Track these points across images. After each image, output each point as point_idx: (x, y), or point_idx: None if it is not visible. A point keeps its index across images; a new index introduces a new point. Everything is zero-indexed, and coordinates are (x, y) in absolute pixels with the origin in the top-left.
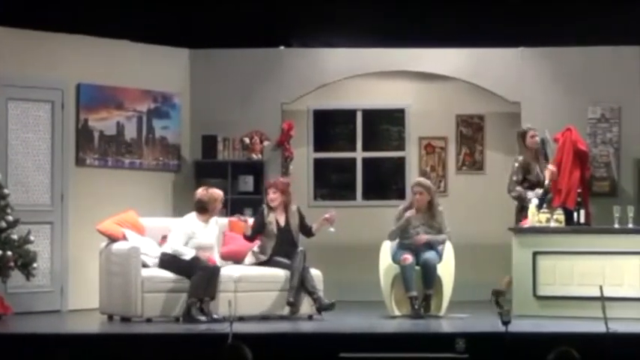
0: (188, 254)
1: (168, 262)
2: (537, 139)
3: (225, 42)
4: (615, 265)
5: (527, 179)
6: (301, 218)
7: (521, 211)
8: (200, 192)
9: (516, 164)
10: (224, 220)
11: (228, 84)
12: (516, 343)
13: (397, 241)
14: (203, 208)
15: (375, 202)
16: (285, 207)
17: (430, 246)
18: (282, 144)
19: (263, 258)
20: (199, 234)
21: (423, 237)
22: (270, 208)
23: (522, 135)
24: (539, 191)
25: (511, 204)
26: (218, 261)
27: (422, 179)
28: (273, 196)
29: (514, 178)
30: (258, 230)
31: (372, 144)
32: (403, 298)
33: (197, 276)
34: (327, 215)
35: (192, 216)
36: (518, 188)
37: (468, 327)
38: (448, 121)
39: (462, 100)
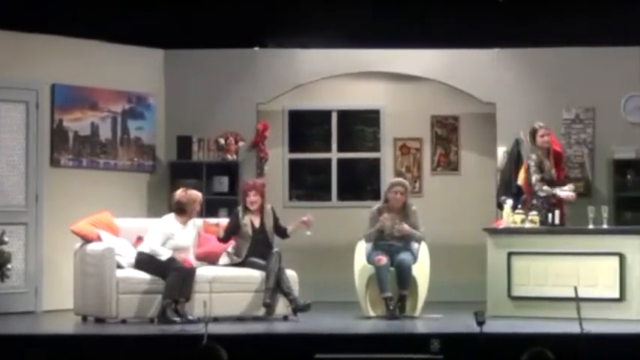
0: (165, 255)
1: (144, 261)
2: (547, 138)
3: (200, 42)
4: (589, 266)
5: (542, 177)
6: (275, 219)
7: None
8: (179, 193)
9: (532, 163)
10: (199, 221)
11: (203, 85)
12: (491, 343)
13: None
14: (182, 210)
15: (350, 202)
16: (261, 208)
17: (405, 246)
18: (257, 144)
19: (237, 260)
20: (177, 235)
21: (405, 227)
22: (247, 210)
23: (532, 133)
24: (572, 187)
25: (486, 204)
26: (193, 262)
27: (401, 179)
28: (254, 199)
29: (536, 176)
30: (232, 232)
31: (347, 145)
32: (378, 299)
33: (172, 277)
34: (304, 218)
35: (171, 217)
36: (546, 187)
37: (442, 327)
38: (423, 122)
39: (437, 100)
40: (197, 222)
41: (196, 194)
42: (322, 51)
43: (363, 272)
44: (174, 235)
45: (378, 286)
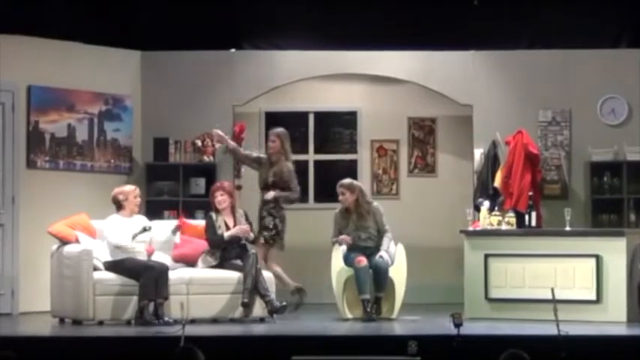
0: (128, 243)
1: (114, 269)
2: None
3: (177, 44)
4: (566, 268)
5: None
6: (249, 224)
7: None
8: (114, 190)
9: None
10: (173, 223)
11: (180, 86)
12: (468, 345)
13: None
14: (119, 205)
15: (326, 204)
16: (232, 209)
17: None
18: None
19: (213, 262)
20: (127, 229)
21: (384, 255)
22: (218, 212)
23: None
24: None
25: (463, 206)
26: (167, 262)
27: (347, 179)
28: (221, 199)
29: None
30: (214, 234)
31: (324, 147)
32: (355, 301)
33: (145, 277)
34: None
35: (114, 216)
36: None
37: (420, 329)
38: (400, 123)
39: (414, 102)
40: (171, 223)
41: (130, 188)
42: (299, 53)
43: (341, 274)
44: (124, 229)
45: (357, 288)
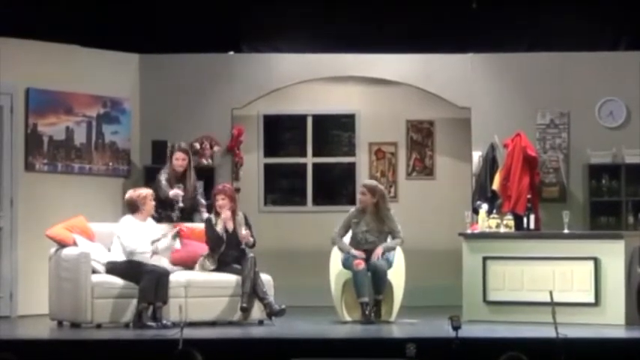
0: (145, 249)
1: (115, 269)
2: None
3: (175, 47)
4: (565, 271)
5: None
6: (248, 226)
7: None
8: (129, 193)
9: None
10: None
11: (178, 89)
12: (466, 348)
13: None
14: (135, 208)
15: (325, 207)
16: (233, 213)
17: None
18: (232, 149)
19: (211, 267)
20: (142, 232)
21: (379, 251)
22: (218, 215)
23: None
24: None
25: (462, 209)
26: (166, 264)
27: (368, 180)
28: (222, 203)
29: None
30: (216, 238)
31: (323, 149)
32: (354, 304)
33: (145, 280)
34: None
35: (128, 217)
36: None
37: (418, 332)
38: (398, 126)
39: (412, 105)
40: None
41: (147, 191)
42: (297, 55)
43: (339, 277)
44: (139, 232)
45: (355, 291)
